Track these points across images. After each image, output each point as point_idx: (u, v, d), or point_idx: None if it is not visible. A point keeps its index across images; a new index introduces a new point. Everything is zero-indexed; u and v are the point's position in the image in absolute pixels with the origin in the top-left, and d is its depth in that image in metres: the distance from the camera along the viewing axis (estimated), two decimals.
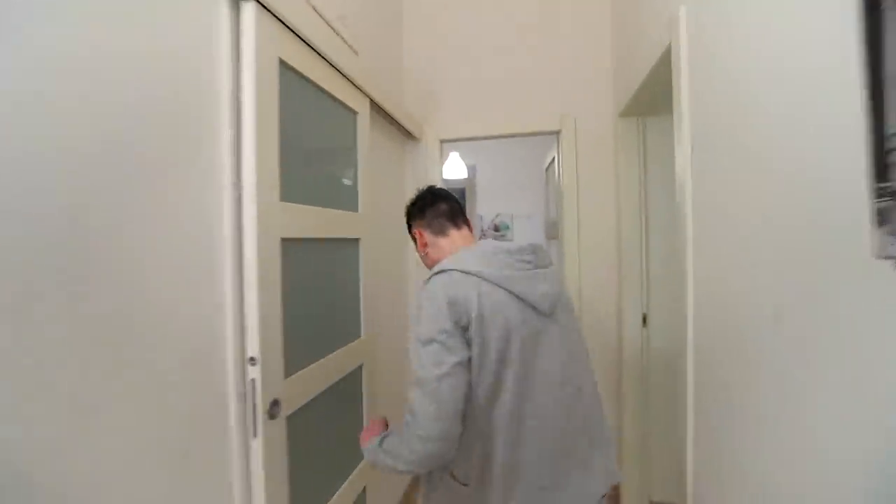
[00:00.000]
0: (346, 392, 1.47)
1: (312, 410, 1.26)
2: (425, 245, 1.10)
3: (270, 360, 1.05)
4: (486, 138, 2.47)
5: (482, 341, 0.86)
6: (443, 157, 2.60)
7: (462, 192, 5.99)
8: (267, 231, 1.06)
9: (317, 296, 1.32)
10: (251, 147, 1.00)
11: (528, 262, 0.97)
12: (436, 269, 0.95)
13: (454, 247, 1.06)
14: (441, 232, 1.09)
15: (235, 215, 0.99)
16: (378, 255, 1.89)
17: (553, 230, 2.79)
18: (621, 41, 2.09)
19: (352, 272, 1.53)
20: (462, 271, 0.90)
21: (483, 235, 5.53)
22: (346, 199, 1.56)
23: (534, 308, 0.91)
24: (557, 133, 2.44)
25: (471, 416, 0.88)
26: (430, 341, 0.84)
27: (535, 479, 0.89)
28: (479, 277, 0.89)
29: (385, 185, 2.18)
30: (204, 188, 0.92)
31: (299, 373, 1.20)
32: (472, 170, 5.37)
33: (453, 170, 4.45)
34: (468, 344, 0.86)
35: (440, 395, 0.82)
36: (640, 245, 2.15)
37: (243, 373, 1.00)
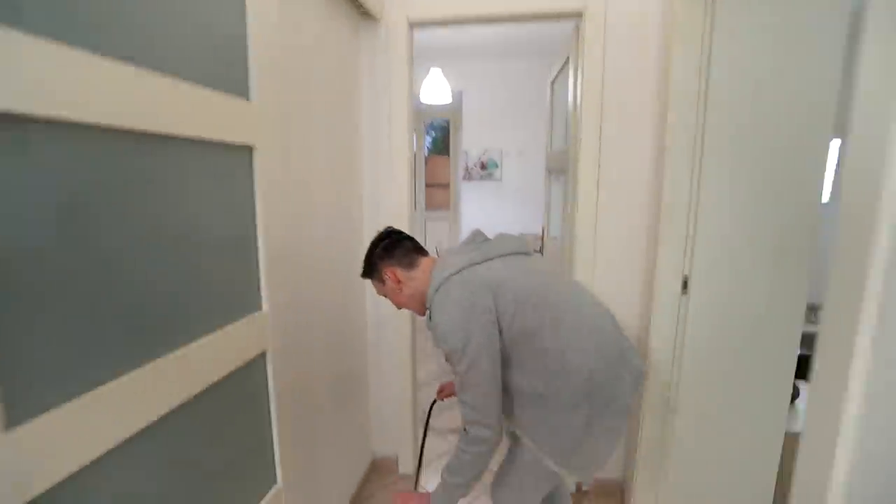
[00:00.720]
0: (228, 405, 0.91)
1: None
2: (399, 283, 1.12)
3: None
4: (477, 22, 1.72)
5: (514, 298, 0.98)
6: (413, 47, 1.83)
7: (445, 124, 5.18)
8: None
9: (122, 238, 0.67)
10: None
11: (482, 240, 1.12)
12: (433, 287, 1.04)
13: (426, 273, 1.10)
14: (412, 265, 1.12)
15: None
16: (299, 178, 1.25)
17: (559, 161, 2.10)
18: None
19: (237, 203, 0.92)
20: (459, 271, 1.02)
21: (468, 174, 4.83)
22: (217, 71, 0.84)
23: (514, 254, 1.08)
24: (578, 18, 1.70)
25: (533, 349, 0.99)
26: (477, 352, 0.95)
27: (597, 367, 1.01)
28: (473, 265, 1.02)
29: (323, 81, 1.46)
30: None
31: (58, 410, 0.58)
32: (457, 97, 4.54)
33: (434, 91, 3.60)
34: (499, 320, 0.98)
35: (493, 391, 0.98)
36: (689, 179, 1.49)
37: None
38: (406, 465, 2.00)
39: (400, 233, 1.18)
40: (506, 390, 1.04)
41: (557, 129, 2.30)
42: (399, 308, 1.18)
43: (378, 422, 1.98)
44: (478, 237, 1.13)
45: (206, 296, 0.83)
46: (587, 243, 1.71)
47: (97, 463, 0.62)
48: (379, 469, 2.01)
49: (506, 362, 1.01)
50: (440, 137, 5.58)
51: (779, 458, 1.60)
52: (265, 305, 1.00)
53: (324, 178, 1.47)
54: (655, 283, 1.57)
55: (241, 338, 0.92)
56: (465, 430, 1.03)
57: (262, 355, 1.00)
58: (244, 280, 0.95)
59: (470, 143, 4.59)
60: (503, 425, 1.03)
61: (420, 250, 1.15)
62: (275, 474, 1.01)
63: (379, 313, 1.91)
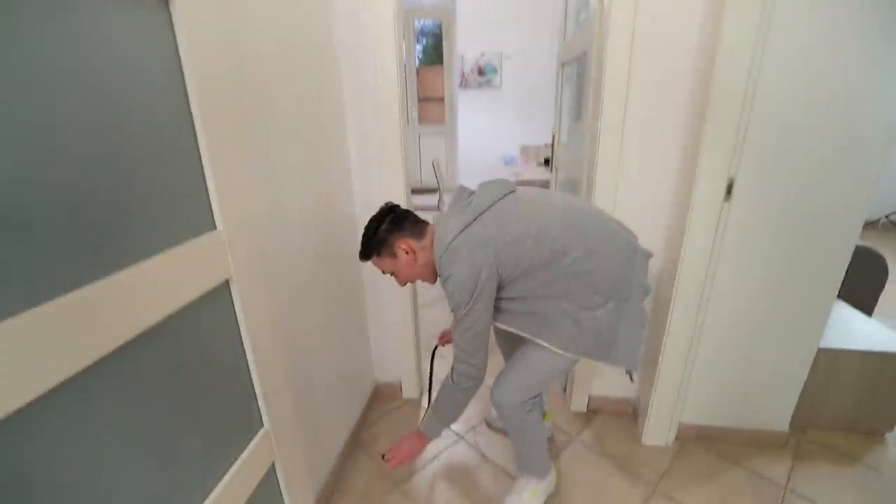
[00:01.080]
0: (193, 343, 0.75)
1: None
2: (414, 253, 1.13)
3: None
4: None
5: (512, 244, 1.03)
6: None
7: (437, 30, 4.59)
8: None
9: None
10: None
11: (468, 196, 1.14)
12: (438, 254, 1.07)
13: (432, 241, 1.12)
14: (422, 234, 1.14)
15: None
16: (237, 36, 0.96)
17: (576, 47, 1.74)
18: None
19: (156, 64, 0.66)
20: (456, 236, 1.05)
21: (464, 82, 4.37)
22: None
23: (501, 199, 1.08)
24: None
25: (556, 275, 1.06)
26: (475, 304, 1.04)
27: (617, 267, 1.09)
28: (467, 226, 1.05)
29: None
30: None
31: None
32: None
33: None
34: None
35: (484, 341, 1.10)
36: (750, 52, 1.19)
37: None
38: (410, 390, 1.93)
39: (399, 206, 1.17)
40: (533, 314, 1.10)
41: (572, 8, 1.90)
42: (407, 283, 1.20)
43: (379, 347, 1.87)
44: (463, 194, 1.13)
45: (138, 208, 0.63)
46: (612, 142, 1.43)
47: (46, 398, 0.52)
48: (382, 395, 1.96)
49: (530, 292, 1.08)
50: (431, 45, 4.98)
51: (807, 372, 1.49)
52: (220, 224, 0.77)
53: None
54: (694, 188, 1.33)
55: (192, 263, 0.70)
56: (453, 368, 1.14)
57: (226, 284, 0.79)
58: (186, 187, 0.71)
59: (465, 46, 4.08)
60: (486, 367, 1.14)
61: (422, 220, 1.16)
62: (260, 417, 0.91)
63: None
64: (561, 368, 1.17)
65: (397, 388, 1.95)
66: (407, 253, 1.13)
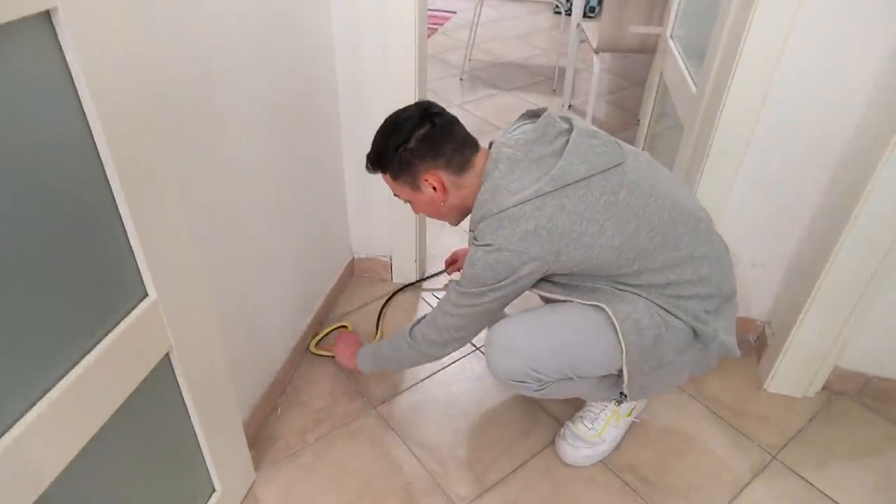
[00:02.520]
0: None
1: None
2: (445, 192, 1.15)
3: None
4: None
5: (583, 256, 1.08)
6: None
7: None
8: None
9: None
10: None
11: (555, 136, 1.12)
12: (481, 211, 1.09)
13: (479, 177, 1.13)
14: (464, 166, 1.14)
15: None
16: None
17: None
18: None
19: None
20: (521, 203, 1.05)
21: None
22: None
23: (601, 173, 1.07)
24: None
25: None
26: (495, 300, 1.13)
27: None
28: (541, 195, 1.05)
29: None
30: None
31: None
32: None
33: None
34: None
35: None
36: None
37: None
38: (404, 272, 1.92)
39: (441, 112, 1.15)
40: (594, 290, 1.16)
41: None
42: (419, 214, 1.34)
43: (361, 212, 1.85)
44: (551, 130, 1.11)
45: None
46: None
47: None
48: (361, 277, 1.96)
49: (593, 283, 1.15)
50: None
51: None
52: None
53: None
54: None
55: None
56: (420, 323, 1.26)
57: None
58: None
59: None
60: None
61: (472, 142, 1.16)
62: (140, 279, 0.86)
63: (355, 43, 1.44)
64: (603, 353, 1.16)
65: (384, 268, 1.93)
66: (434, 189, 1.14)
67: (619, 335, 1.09)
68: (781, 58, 1.25)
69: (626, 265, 1.09)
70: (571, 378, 1.17)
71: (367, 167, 1.20)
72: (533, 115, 1.17)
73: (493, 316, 1.16)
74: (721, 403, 1.52)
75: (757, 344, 1.68)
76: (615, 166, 1.08)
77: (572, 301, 1.14)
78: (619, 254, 1.07)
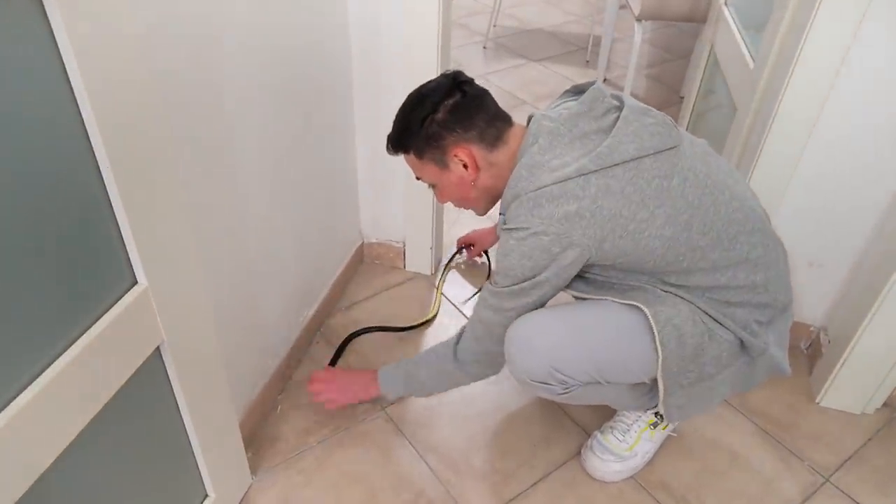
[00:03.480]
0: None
1: None
2: (476, 170, 1.14)
3: None
4: None
5: (633, 247, 1.06)
6: None
7: None
8: None
9: None
10: None
11: (603, 113, 1.09)
12: (515, 189, 1.07)
13: (514, 152, 1.12)
14: (497, 140, 1.13)
15: None
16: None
17: None
18: None
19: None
20: (562, 181, 1.03)
21: None
22: None
23: (653, 155, 1.05)
24: None
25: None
26: (537, 294, 1.12)
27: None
28: (585, 174, 1.03)
29: None
30: None
31: None
32: None
33: None
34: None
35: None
36: None
37: None
38: (417, 261, 1.92)
39: (472, 82, 1.15)
40: (633, 289, 1.15)
41: None
42: (447, 203, 1.27)
43: (373, 194, 1.84)
44: (597, 105, 1.09)
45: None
46: None
47: None
48: (372, 263, 1.96)
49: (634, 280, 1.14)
50: None
51: None
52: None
53: None
54: None
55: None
56: (463, 336, 1.24)
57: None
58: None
59: None
60: None
61: (505, 115, 1.16)
62: (129, 266, 0.86)
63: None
64: (636, 360, 1.15)
65: (397, 255, 1.92)
66: (465, 167, 1.13)
67: (657, 341, 1.06)
68: (857, 32, 1.20)
69: (674, 261, 1.06)
70: (600, 383, 1.15)
71: (387, 149, 1.18)
72: (578, 90, 1.14)
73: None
74: (768, 418, 1.49)
75: (809, 352, 1.65)
76: (669, 149, 1.05)
77: (606, 299, 1.12)
78: (668, 247, 1.05)
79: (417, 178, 1.21)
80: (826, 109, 1.30)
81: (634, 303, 1.08)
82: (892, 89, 1.25)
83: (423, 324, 1.70)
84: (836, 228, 1.44)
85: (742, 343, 1.12)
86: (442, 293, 1.79)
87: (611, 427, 1.34)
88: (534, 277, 1.05)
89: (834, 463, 1.39)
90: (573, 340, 1.13)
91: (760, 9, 1.56)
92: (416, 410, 1.46)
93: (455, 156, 1.11)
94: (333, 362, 1.56)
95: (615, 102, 1.08)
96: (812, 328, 1.64)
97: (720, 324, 1.10)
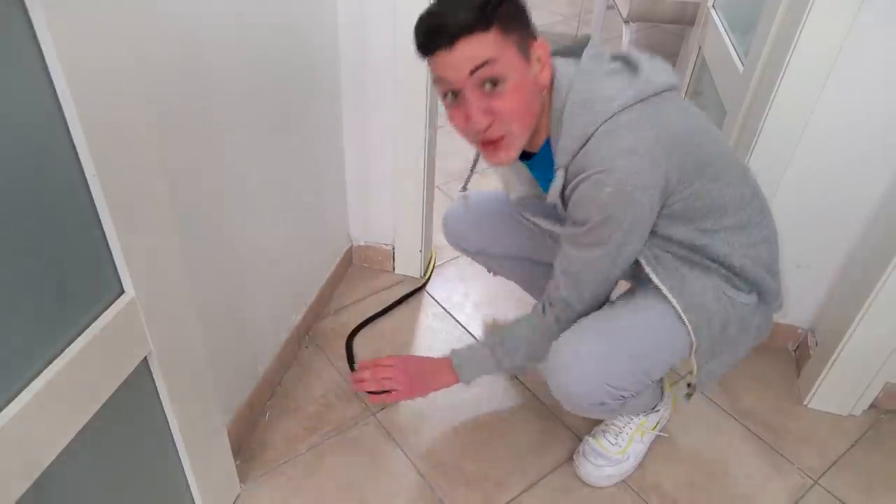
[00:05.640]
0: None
1: None
2: (549, 70, 1.00)
3: None
4: None
5: (696, 161, 1.01)
6: None
7: None
8: None
9: None
10: None
11: (617, 55, 1.06)
12: (590, 128, 0.96)
13: (549, 70, 1.02)
14: (528, 50, 0.99)
15: None
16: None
17: None
18: None
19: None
20: (631, 105, 0.96)
21: None
22: None
23: (672, 88, 1.02)
24: None
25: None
26: (627, 234, 1.02)
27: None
28: (643, 98, 0.97)
29: None
30: None
31: None
32: None
33: None
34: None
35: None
36: None
37: None
38: (407, 264, 1.90)
39: None
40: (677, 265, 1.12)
41: None
42: (477, 134, 0.97)
43: (361, 193, 1.83)
44: (603, 53, 1.04)
45: None
46: None
47: None
48: (361, 266, 1.95)
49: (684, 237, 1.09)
50: None
51: None
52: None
53: None
54: None
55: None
56: (551, 298, 1.17)
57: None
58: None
59: None
60: None
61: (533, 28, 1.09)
62: (120, 283, 0.86)
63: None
64: (674, 351, 1.16)
65: (387, 257, 1.92)
66: (541, 65, 0.97)
67: (690, 333, 1.08)
68: (849, 33, 1.21)
69: (725, 188, 1.03)
70: (648, 385, 1.15)
71: (437, 35, 0.89)
72: (566, 52, 1.06)
73: (625, 268, 1.09)
74: (757, 420, 1.50)
75: (797, 354, 1.66)
76: (675, 88, 1.03)
77: (633, 296, 1.15)
78: (723, 167, 1.03)
79: (474, 71, 0.89)
80: (814, 114, 1.32)
81: (664, 288, 1.07)
82: (881, 96, 1.27)
83: (417, 290, 1.74)
84: (825, 230, 1.45)
85: (759, 296, 1.13)
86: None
87: (602, 431, 1.34)
88: (633, 220, 0.97)
89: (822, 465, 1.40)
90: (616, 351, 1.11)
91: (748, 12, 1.57)
92: (407, 417, 1.45)
93: (538, 49, 0.96)
94: (352, 366, 1.55)
95: (623, 54, 1.05)
96: (800, 330, 1.65)
97: (743, 279, 1.10)
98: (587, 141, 0.95)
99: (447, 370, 1.24)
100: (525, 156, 1.10)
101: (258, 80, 1.21)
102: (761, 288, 1.13)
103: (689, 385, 1.21)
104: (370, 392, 1.27)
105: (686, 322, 1.08)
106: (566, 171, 0.99)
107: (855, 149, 1.34)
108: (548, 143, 1.04)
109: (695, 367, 1.13)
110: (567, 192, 1.01)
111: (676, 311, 1.07)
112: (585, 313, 1.13)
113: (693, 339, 1.09)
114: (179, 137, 0.98)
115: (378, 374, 1.26)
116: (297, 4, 1.31)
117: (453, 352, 1.25)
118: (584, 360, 1.09)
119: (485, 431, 1.44)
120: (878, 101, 1.27)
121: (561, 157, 0.99)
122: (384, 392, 1.26)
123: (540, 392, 1.53)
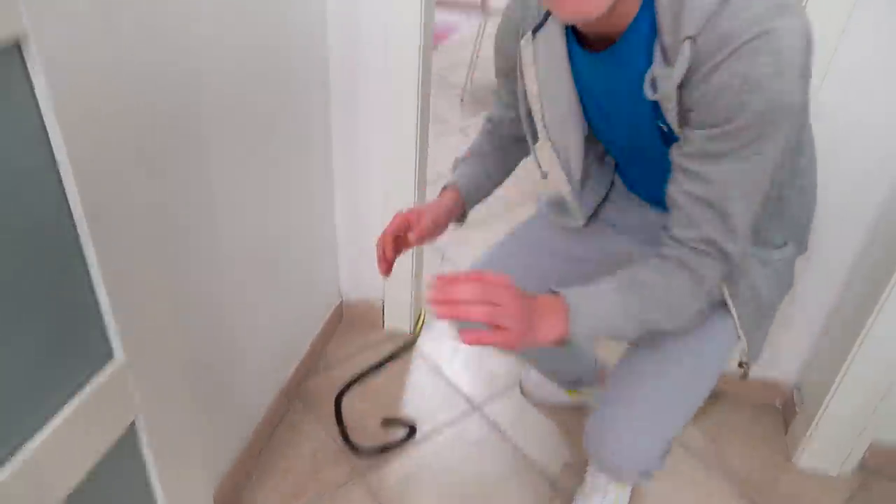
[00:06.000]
0: None
1: None
2: None
3: None
4: None
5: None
6: None
7: None
8: None
9: None
10: None
11: None
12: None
13: None
14: None
15: None
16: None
17: None
18: None
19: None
20: None
21: None
22: None
23: None
24: None
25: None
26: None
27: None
28: None
29: None
30: None
31: None
32: None
33: None
34: None
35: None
36: None
37: None
38: (397, 317, 1.92)
39: None
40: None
41: None
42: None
43: (351, 247, 1.85)
44: None
45: None
46: None
47: None
48: (352, 322, 1.96)
49: None
50: None
51: None
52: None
53: None
54: None
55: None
56: (701, 249, 0.88)
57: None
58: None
59: None
60: None
61: None
62: (107, 340, 0.85)
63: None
64: (726, 361, 1.11)
65: (377, 313, 1.93)
66: None
67: (740, 333, 1.04)
68: (842, 34, 1.22)
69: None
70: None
71: None
72: None
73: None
74: (747, 480, 1.50)
75: (784, 411, 1.67)
76: None
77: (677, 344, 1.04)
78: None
79: None
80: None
81: (728, 299, 1.01)
82: (862, 137, 1.30)
83: (406, 347, 1.73)
84: (807, 284, 1.48)
85: (795, 246, 1.06)
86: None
87: (588, 493, 1.34)
88: (805, 92, 0.77)
89: None
90: (673, 402, 1.06)
91: None
92: (396, 479, 1.44)
93: None
94: (340, 426, 1.54)
95: None
96: (786, 386, 1.66)
97: (787, 229, 1.03)
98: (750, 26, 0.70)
99: (559, 312, 0.85)
100: (599, 45, 0.86)
101: (250, 133, 1.24)
102: (800, 237, 1.07)
103: (740, 365, 1.09)
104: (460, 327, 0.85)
105: (738, 328, 1.03)
106: (694, 42, 0.73)
107: (836, 200, 1.37)
108: (638, 21, 0.80)
109: (746, 347, 1.06)
110: (695, 79, 0.75)
111: (733, 320, 1.02)
112: (738, 257, 0.88)
113: (743, 337, 1.04)
114: (170, 194, 1.01)
115: (486, 293, 0.78)
116: (287, 38, 1.35)
117: (571, 299, 0.85)
118: (649, 430, 1.05)
119: (475, 495, 1.43)
120: (858, 146, 1.31)
121: (688, 23, 0.73)
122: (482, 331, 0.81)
123: (532, 454, 1.54)
